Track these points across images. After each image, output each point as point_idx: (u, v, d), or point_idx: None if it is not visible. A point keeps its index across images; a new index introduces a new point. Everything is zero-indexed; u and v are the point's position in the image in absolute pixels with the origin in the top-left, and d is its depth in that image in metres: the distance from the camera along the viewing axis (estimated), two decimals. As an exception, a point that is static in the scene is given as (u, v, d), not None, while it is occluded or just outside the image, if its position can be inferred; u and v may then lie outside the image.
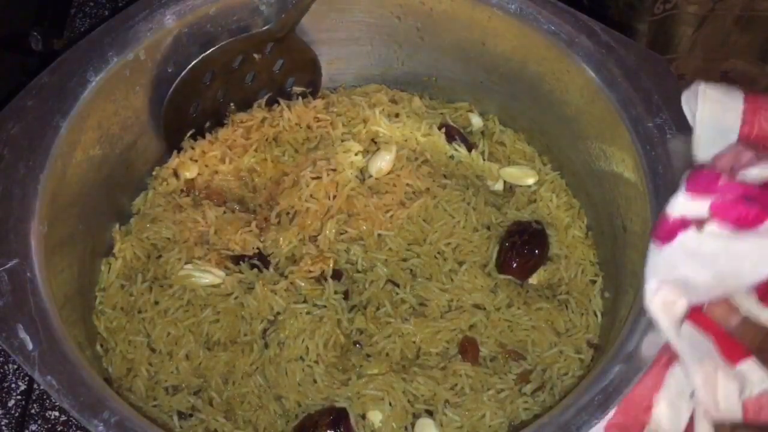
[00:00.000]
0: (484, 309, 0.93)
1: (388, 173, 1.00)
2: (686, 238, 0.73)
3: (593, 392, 0.74)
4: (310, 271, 0.94)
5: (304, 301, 0.92)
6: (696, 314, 0.77)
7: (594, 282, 0.97)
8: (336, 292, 0.93)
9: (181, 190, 1.02)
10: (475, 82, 1.06)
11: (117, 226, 0.99)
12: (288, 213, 0.98)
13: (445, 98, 1.11)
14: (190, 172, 1.02)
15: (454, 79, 1.08)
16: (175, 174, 1.03)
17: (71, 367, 0.73)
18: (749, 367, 0.75)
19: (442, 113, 1.08)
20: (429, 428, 0.86)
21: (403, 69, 1.10)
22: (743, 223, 0.72)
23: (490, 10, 0.95)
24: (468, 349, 0.91)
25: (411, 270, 0.97)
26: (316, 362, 0.89)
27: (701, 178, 0.73)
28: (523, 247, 0.96)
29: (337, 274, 0.95)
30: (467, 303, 0.94)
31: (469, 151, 1.05)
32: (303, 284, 0.93)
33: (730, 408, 0.75)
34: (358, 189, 0.99)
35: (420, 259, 0.96)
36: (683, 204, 0.73)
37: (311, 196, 0.97)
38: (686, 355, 0.74)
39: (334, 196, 0.98)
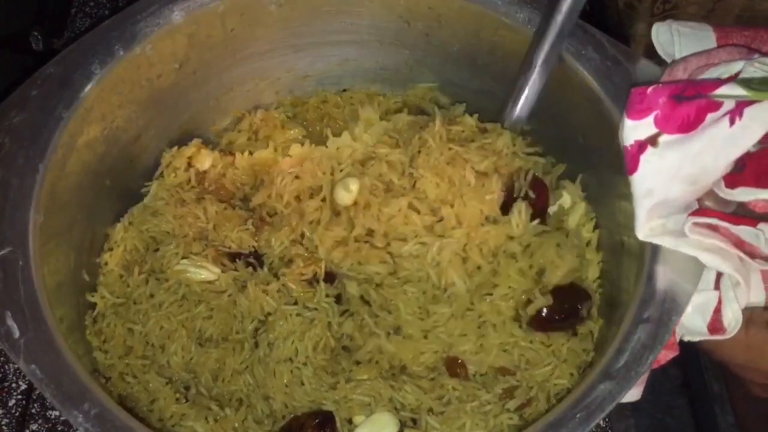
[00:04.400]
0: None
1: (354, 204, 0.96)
2: (647, 157, 0.78)
3: (577, 408, 0.73)
4: (302, 274, 0.93)
5: (295, 303, 0.92)
6: (696, 212, 0.79)
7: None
8: (327, 295, 0.93)
9: (188, 181, 1.02)
10: (483, 89, 1.05)
11: (118, 217, 1.00)
12: (276, 213, 0.98)
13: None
14: (201, 164, 1.03)
15: (462, 85, 1.07)
16: (189, 164, 1.03)
17: (56, 356, 0.74)
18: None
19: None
20: None
21: (412, 73, 1.09)
22: (689, 125, 0.76)
23: (498, 19, 0.94)
24: (456, 368, 0.90)
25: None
26: (305, 364, 0.89)
27: (633, 98, 0.79)
28: (565, 314, 0.91)
29: (329, 277, 0.94)
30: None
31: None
32: (294, 286, 0.93)
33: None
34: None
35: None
36: (631, 130, 0.79)
37: (278, 194, 0.97)
38: (704, 256, 0.77)
39: (311, 196, 0.97)
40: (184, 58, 0.97)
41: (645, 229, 0.79)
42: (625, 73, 0.89)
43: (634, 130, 0.79)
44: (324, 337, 0.90)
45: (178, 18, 0.93)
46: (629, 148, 0.79)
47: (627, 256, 0.88)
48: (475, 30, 0.98)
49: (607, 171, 0.93)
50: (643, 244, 0.82)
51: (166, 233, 0.98)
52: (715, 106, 0.75)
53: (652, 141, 0.77)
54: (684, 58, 0.85)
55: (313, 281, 0.94)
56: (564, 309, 0.90)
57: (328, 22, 1.03)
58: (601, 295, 0.95)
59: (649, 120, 0.78)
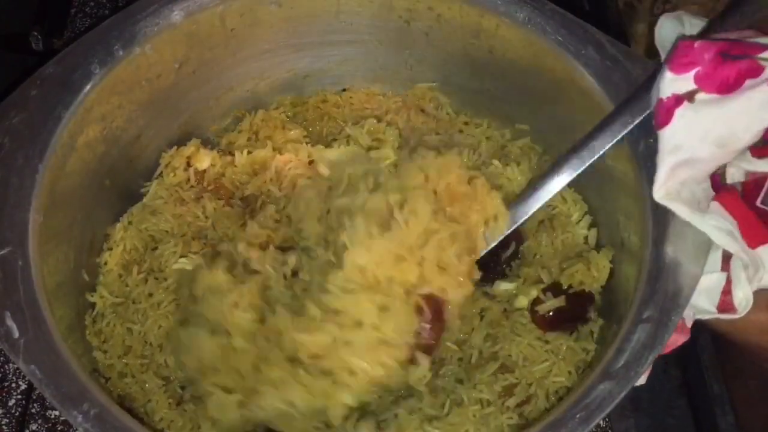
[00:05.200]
0: None
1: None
2: (682, 112, 0.77)
3: (577, 408, 0.73)
4: (256, 236, 0.90)
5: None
6: (723, 196, 0.79)
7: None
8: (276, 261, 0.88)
9: (187, 181, 1.02)
10: (482, 89, 1.05)
11: (118, 217, 1.00)
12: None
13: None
14: (200, 164, 1.03)
15: (462, 85, 1.07)
16: (188, 163, 1.03)
17: (56, 356, 0.74)
18: (764, 251, 0.78)
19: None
20: None
21: (412, 73, 1.09)
22: (727, 87, 0.76)
23: (498, 19, 0.94)
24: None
25: None
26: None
27: (679, 50, 0.78)
28: (568, 315, 0.92)
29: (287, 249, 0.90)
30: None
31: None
32: (242, 247, 0.89)
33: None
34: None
35: None
36: (670, 82, 0.78)
37: (278, 177, 0.98)
38: (715, 234, 0.77)
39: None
40: (184, 58, 0.97)
41: (662, 190, 0.78)
42: (625, 73, 0.89)
43: (673, 82, 0.78)
44: (251, 296, 0.85)
45: (178, 18, 0.93)
46: (665, 100, 0.78)
47: (627, 256, 0.88)
48: (475, 30, 0.97)
49: (606, 171, 0.93)
50: (642, 245, 0.82)
51: (165, 232, 0.98)
52: (756, 71, 0.75)
53: (689, 97, 0.77)
54: (726, 31, 0.84)
55: (266, 247, 0.90)
56: (574, 310, 0.91)
57: (328, 22, 1.03)
58: (601, 294, 0.95)
59: (690, 75, 0.77)
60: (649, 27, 1.02)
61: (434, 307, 0.84)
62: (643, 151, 0.84)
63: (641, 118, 0.83)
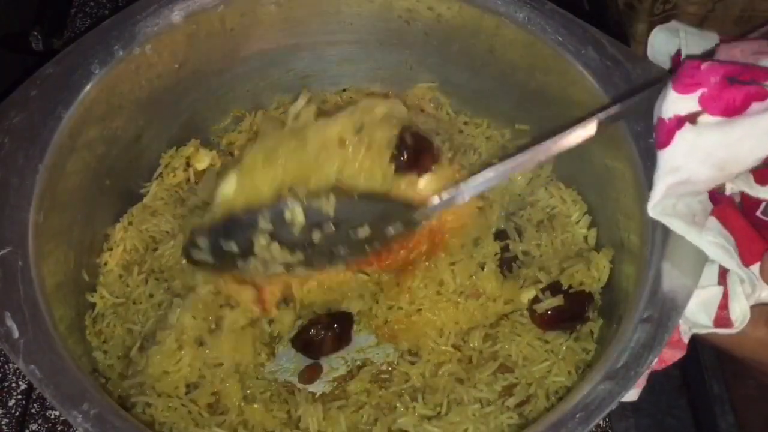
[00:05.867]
0: None
1: None
2: (684, 134, 0.75)
3: (577, 408, 0.73)
4: None
5: None
6: (721, 209, 0.79)
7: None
8: None
9: (187, 181, 1.03)
10: (483, 89, 1.05)
11: (118, 217, 1.00)
12: None
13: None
14: (199, 164, 1.03)
15: (462, 85, 1.07)
16: (188, 163, 1.03)
17: (56, 357, 0.74)
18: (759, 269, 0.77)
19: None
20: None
21: (412, 73, 1.09)
22: (732, 110, 0.74)
23: (498, 19, 0.94)
24: None
25: None
26: None
27: (685, 70, 0.76)
28: (567, 314, 0.93)
29: None
30: None
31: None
32: None
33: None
34: None
35: None
36: (674, 103, 0.76)
37: None
38: (711, 249, 0.77)
39: None
40: (184, 58, 0.97)
41: (658, 207, 0.78)
42: (625, 73, 0.89)
43: (677, 102, 0.76)
44: None
45: (178, 18, 0.93)
46: (667, 121, 0.76)
47: (627, 256, 0.88)
48: (474, 30, 0.97)
49: (606, 171, 0.93)
50: (641, 245, 0.82)
51: (166, 233, 0.98)
52: (762, 95, 0.73)
53: (692, 119, 0.75)
54: (740, 42, 0.83)
55: None
56: (572, 310, 0.92)
57: (328, 22, 1.02)
58: (601, 294, 0.95)
59: (695, 96, 0.75)
60: (649, 27, 1.02)
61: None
62: (644, 151, 0.84)
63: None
